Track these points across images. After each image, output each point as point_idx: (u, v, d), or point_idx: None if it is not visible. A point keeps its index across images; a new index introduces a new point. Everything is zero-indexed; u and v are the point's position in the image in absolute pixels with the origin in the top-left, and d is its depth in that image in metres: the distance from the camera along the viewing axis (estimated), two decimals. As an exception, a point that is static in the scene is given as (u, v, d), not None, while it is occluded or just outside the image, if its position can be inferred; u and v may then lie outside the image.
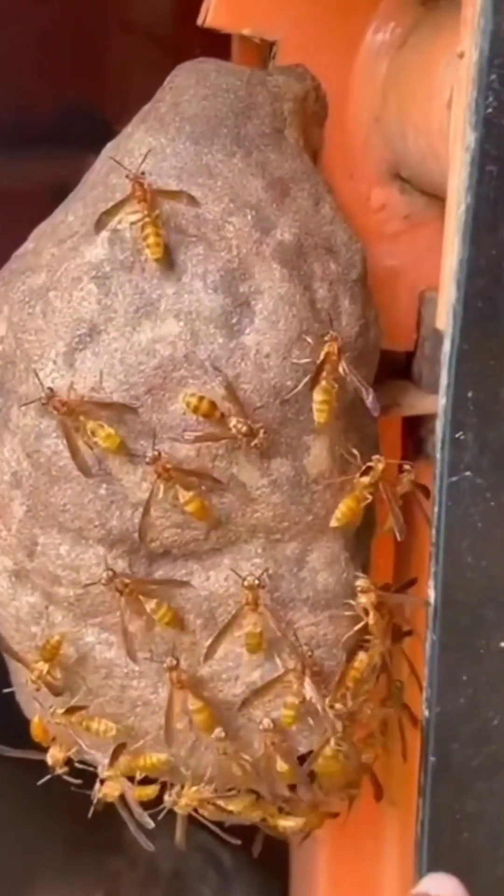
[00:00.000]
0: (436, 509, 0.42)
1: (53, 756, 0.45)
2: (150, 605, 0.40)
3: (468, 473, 0.41)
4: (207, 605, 0.41)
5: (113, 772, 0.44)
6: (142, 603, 0.40)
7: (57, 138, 0.59)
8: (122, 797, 0.45)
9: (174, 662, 0.41)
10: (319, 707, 0.40)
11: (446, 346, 0.40)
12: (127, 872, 0.74)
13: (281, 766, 0.42)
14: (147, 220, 0.38)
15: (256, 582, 0.40)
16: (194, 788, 0.43)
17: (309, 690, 0.40)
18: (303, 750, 0.43)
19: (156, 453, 0.38)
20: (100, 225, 0.39)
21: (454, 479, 0.41)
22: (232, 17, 0.43)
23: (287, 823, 0.45)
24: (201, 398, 0.38)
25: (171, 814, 0.46)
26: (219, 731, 0.41)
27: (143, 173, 0.38)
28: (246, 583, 0.40)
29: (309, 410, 0.39)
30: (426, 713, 0.44)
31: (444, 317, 0.40)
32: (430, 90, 0.41)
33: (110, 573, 0.40)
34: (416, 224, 0.48)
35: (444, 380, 0.41)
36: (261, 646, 0.40)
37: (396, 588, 0.46)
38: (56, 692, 0.42)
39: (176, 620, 0.41)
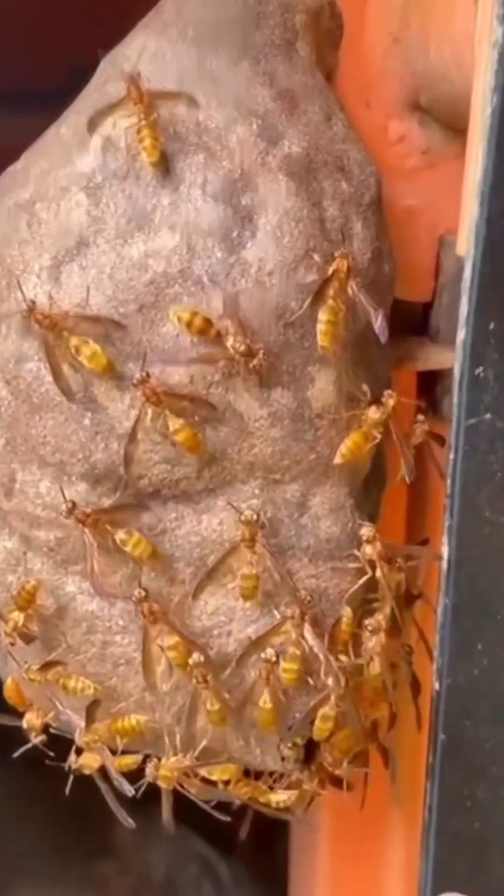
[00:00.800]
0: (451, 456, 0.38)
1: (29, 722, 0.42)
2: (118, 535, 0.36)
3: (488, 416, 0.38)
4: (199, 552, 0.38)
5: (90, 736, 0.40)
6: (111, 534, 0.36)
7: (66, 98, 0.56)
8: (103, 770, 0.42)
9: (143, 594, 0.37)
10: (321, 654, 0.36)
11: (467, 272, 0.36)
12: (117, 878, 0.70)
13: (264, 701, 0.37)
14: (143, 122, 0.35)
15: (255, 517, 0.36)
16: (176, 757, 0.39)
17: (309, 637, 0.36)
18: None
19: (144, 374, 0.35)
20: (92, 125, 0.36)
21: (472, 421, 0.38)
22: None
23: (279, 798, 0.41)
24: (195, 313, 0.35)
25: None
26: (196, 657, 0.37)
27: (139, 74, 0.35)
28: (243, 517, 0.36)
29: (314, 337, 0.36)
30: (437, 685, 0.40)
31: (465, 239, 0.36)
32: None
33: (70, 504, 0.36)
34: (436, 161, 0.44)
35: (463, 309, 0.37)
36: (256, 592, 0.37)
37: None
38: (28, 640, 0.38)
39: (154, 554, 0.37)
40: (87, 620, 0.39)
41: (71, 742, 0.41)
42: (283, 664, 0.37)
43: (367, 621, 0.38)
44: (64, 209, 0.36)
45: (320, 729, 0.38)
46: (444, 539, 0.39)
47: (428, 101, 0.44)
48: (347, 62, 0.43)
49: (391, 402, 0.37)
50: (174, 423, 0.35)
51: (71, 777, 0.41)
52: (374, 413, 0.37)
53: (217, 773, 0.40)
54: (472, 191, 0.35)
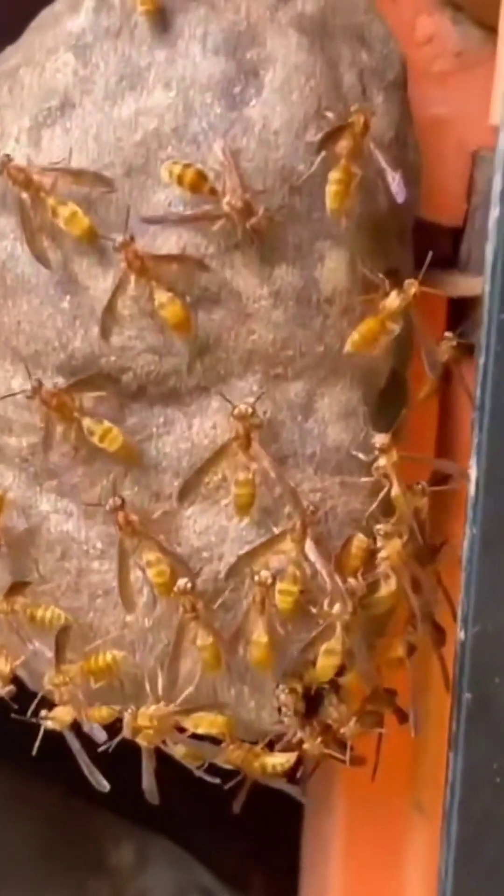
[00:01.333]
0: (481, 360, 0.34)
1: None
2: (85, 422, 0.32)
3: (524, 310, 0.33)
4: (188, 461, 0.33)
5: (60, 678, 0.35)
6: (77, 423, 0.32)
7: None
8: (76, 726, 0.37)
9: (118, 501, 0.32)
10: (325, 574, 0.31)
11: (500, 140, 0.32)
12: (111, 901, 0.64)
13: (259, 634, 0.32)
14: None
15: (250, 411, 0.31)
16: (155, 707, 0.34)
17: (311, 555, 0.31)
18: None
19: (127, 237, 0.31)
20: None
21: (505, 316, 0.33)
22: None
23: (274, 761, 0.35)
24: (187, 165, 0.31)
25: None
26: (183, 582, 0.32)
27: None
28: (236, 411, 0.31)
29: (324, 209, 0.32)
30: (461, 635, 0.35)
31: (499, 106, 0.32)
32: None
33: (35, 382, 0.32)
34: (470, 64, 0.40)
35: (496, 185, 0.33)
36: (252, 502, 0.32)
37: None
38: None
39: (126, 448, 0.32)
40: (61, 543, 0.35)
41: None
42: (279, 586, 0.32)
43: (378, 526, 0.32)
44: (49, 70, 0.33)
45: (324, 667, 0.32)
46: (472, 460, 0.34)
47: (461, -6, 0.40)
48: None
49: (413, 290, 0.33)
50: (160, 296, 0.31)
51: (41, 732, 0.36)
52: (392, 300, 0.33)
53: (204, 725, 0.34)
54: (506, 50, 0.31)
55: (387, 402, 0.36)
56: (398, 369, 0.36)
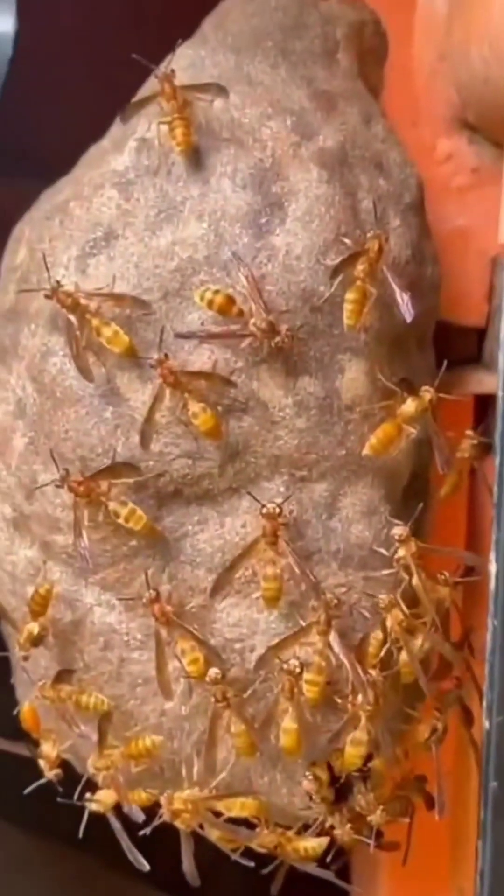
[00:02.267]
0: (497, 459, 0.36)
1: (45, 753, 0.39)
2: (111, 505, 0.34)
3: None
4: (221, 557, 0.35)
5: (103, 762, 0.37)
6: (104, 507, 0.34)
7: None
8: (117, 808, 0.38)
9: (154, 594, 0.34)
10: (348, 665, 0.33)
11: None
12: None
13: (288, 724, 0.34)
14: (176, 116, 0.35)
15: (277, 510, 0.34)
16: (189, 791, 0.36)
17: (336, 646, 0.33)
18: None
19: (162, 355, 0.34)
20: (125, 116, 0.36)
21: (519, 419, 0.35)
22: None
23: (307, 844, 0.36)
24: (216, 291, 0.34)
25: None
26: (214, 672, 0.34)
27: (172, 71, 0.36)
28: (264, 510, 0.34)
29: (343, 325, 0.34)
30: (486, 724, 0.36)
31: (507, 227, 0.35)
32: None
33: (63, 471, 0.34)
34: (486, 179, 0.43)
35: (505, 297, 0.35)
36: (280, 595, 0.34)
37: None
38: (36, 641, 0.36)
39: (148, 527, 0.35)
40: (104, 635, 0.37)
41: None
42: (306, 676, 0.34)
43: (381, 596, 0.34)
44: (95, 204, 0.36)
45: (350, 756, 0.34)
46: (492, 554, 0.36)
47: (476, 117, 0.43)
48: (393, 80, 0.43)
49: (428, 396, 0.35)
50: (193, 407, 0.33)
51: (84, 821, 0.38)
52: (408, 406, 0.35)
53: (237, 808, 0.36)
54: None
55: (410, 499, 0.38)
56: (420, 469, 0.38)
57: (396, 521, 0.35)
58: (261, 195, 0.35)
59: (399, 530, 0.34)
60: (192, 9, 0.40)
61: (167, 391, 0.34)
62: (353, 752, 0.34)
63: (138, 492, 0.36)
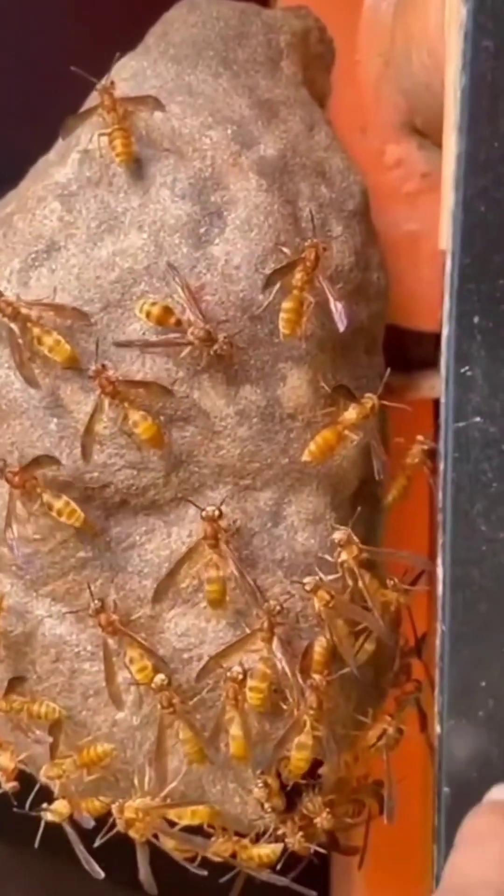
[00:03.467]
0: (441, 465, 0.36)
1: (2, 765, 0.39)
2: (44, 496, 0.35)
3: (477, 419, 0.35)
4: (168, 566, 0.35)
5: (56, 770, 0.37)
6: (39, 497, 0.34)
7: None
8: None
9: (99, 604, 0.35)
10: (287, 670, 0.33)
11: (447, 265, 0.35)
12: None
13: (235, 728, 0.34)
14: (116, 128, 0.35)
15: (217, 513, 0.34)
16: (140, 800, 0.36)
17: (278, 652, 0.33)
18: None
19: (100, 366, 0.34)
20: (66, 131, 0.36)
21: (461, 424, 0.35)
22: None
23: (261, 851, 0.36)
24: (153, 303, 0.34)
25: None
26: (160, 679, 0.34)
27: (112, 83, 0.36)
28: (204, 513, 0.34)
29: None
30: (438, 729, 0.36)
31: (445, 233, 0.35)
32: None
33: (1, 462, 0.35)
34: (436, 184, 0.43)
35: (446, 304, 0.35)
36: (223, 597, 0.34)
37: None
38: None
39: (85, 523, 0.35)
40: (55, 646, 0.37)
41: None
42: (250, 683, 0.34)
43: (305, 580, 0.34)
44: (38, 217, 0.36)
45: (297, 760, 0.34)
46: (439, 559, 0.36)
47: (422, 123, 0.43)
48: (341, 89, 0.43)
49: (369, 404, 0.35)
50: (134, 415, 0.33)
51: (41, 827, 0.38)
52: (350, 413, 0.35)
53: (188, 817, 0.36)
54: (449, 181, 0.34)
55: (358, 502, 0.38)
56: (370, 475, 0.38)
57: (338, 527, 0.35)
58: (200, 205, 0.35)
59: (339, 534, 0.34)
60: (137, 19, 0.41)
61: (106, 401, 0.34)
62: (298, 756, 0.34)
63: (84, 503, 0.36)
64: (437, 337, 0.44)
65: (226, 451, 0.35)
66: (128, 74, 0.38)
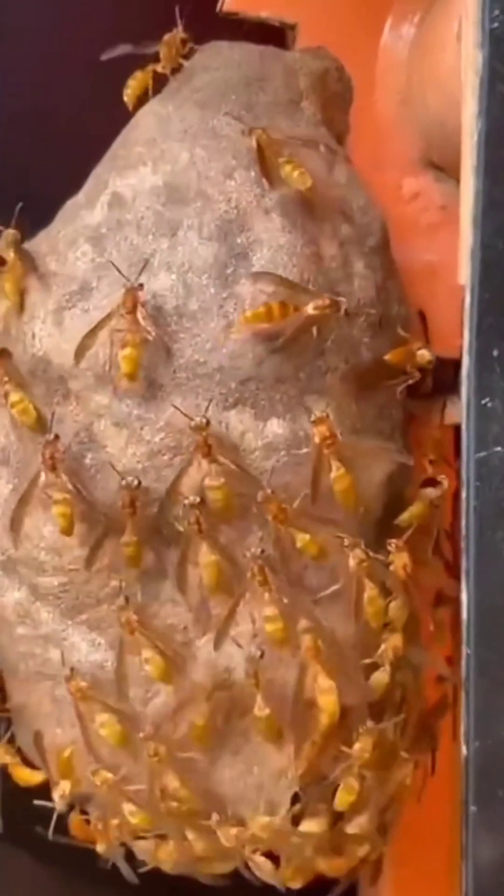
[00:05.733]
0: (464, 493, 0.37)
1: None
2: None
3: (498, 449, 0.36)
4: (201, 593, 0.37)
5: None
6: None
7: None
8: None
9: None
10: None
11: (466, 299, 0.36)
12: None
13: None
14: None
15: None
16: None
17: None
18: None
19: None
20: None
21: (482, 454, 0.36)
22: (249, 1, 0.43)
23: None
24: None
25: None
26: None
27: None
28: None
29: (308, 367, 0.36)
30: (464, 750, 0.37)
31: (464, 267, 0.36)
32: (442, 38, 0.38)
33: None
34: (454, 215, 0.44)
35: (466, 338, 0.36)
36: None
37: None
38: None
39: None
40: (90, 672, 0.38)
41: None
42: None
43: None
44: (70, 259, 0.38)
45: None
46: (463, 584, 0.37)
47: (439, 158, 0.44)
48: (358, 125, 0.44)
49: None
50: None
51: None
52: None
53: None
54: (468, 219, 0.35)
55: (386, 531, 0.39)
56: (393, 499, 0.39)
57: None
58: (226, 246, 0.36)
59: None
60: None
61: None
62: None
63: (118, 535, 0.37)
64: (456, 363, 0.46)
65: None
66: (154, 119, 0.39)
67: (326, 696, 0.35)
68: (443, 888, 0.46)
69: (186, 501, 0.35)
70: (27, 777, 0.40)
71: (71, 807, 0.40)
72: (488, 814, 0.37)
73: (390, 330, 0.39)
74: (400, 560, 0.36)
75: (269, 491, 0.35)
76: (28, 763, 0.41)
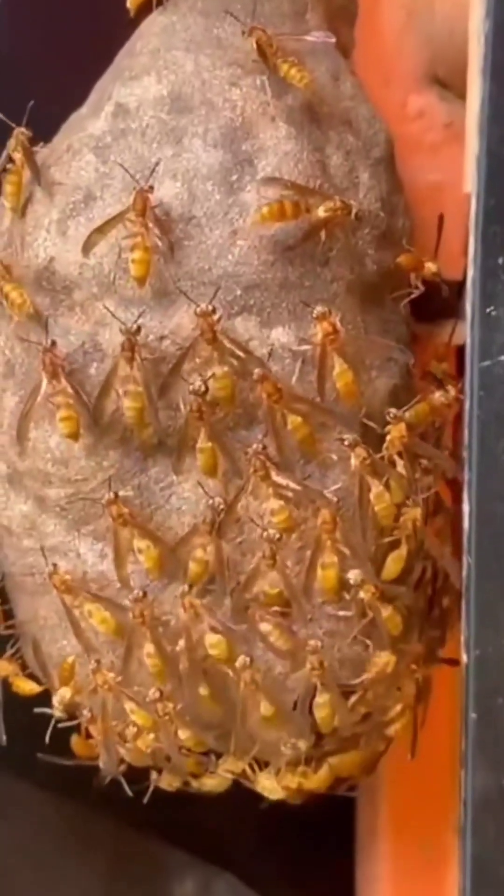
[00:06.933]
0: (467, 403, 0.37)
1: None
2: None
3: (502, 358, 0.36)
4: (205, 503, 0.37)
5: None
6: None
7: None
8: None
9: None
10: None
11: (472, 207, 0.36)
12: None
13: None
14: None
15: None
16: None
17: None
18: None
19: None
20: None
21: (486, 363, 0.36)
22: None
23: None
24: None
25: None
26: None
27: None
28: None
29: (314, 277, 0.36)
30: (465, 658, 0.38)
31: (470, 176, 0.36)
32: None
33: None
34: (458, 134, 0.44)
35: (471, 246, 0.36)
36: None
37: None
38: None
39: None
40: (97, 582, 0.39)
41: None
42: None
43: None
44: (74, 168, 0.38)
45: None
46: (465, 494, 0.37)
47: (445, 72, 0.44)
48: (364, 41, 0.44)
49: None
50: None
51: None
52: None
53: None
54: (473, 126, 0.35)
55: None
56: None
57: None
58: (231, 153, 0.36)
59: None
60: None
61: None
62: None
63: (123, 444, 0.37)
64: (460, 286, 0.46)
65: (258, 392, 0.36)
66: (158, 29, 0.39)
67: (328, 570, 0.35)
68: (442, 807, 0.47)
69: (190, 387, 0.35)
70: (28, 689, 0.41)
71: (70, 718, 0.40)
72: (488, 721, 0.37)
73: (395, 243, 0.39)
74: (397, 431, 0.36)
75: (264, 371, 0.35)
76: (34, 679, 0.42)
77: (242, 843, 0.53)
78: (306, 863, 0.52)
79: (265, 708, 0.36)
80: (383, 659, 0.37)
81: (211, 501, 0.36)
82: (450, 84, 0.44)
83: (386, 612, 0.36)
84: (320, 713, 0.36)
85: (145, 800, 0.42)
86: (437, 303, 0.46)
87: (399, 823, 0.51)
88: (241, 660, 0.36)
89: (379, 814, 0.52)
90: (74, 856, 0.56)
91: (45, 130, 0.41)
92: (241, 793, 0.41)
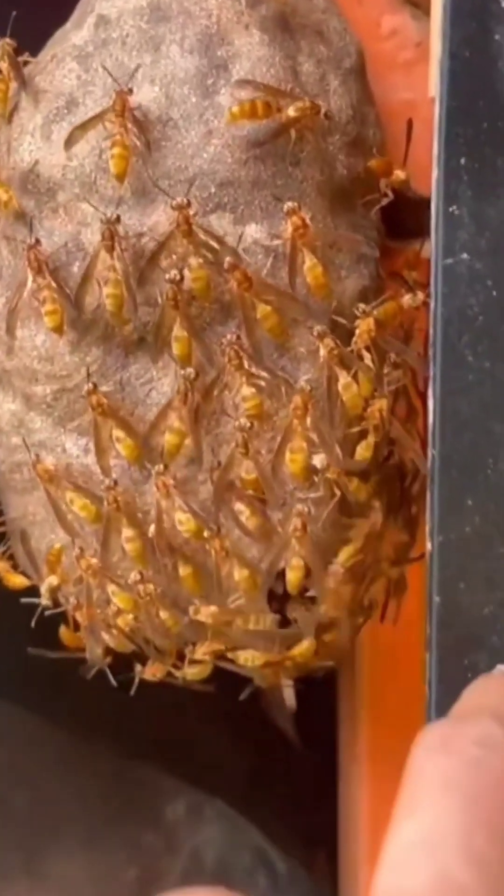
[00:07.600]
0: (432, 302, 0.39)
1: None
2: None
3: (465, 256, 0.38)
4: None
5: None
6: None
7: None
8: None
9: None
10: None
11: (435, 109, 0.37)
12: (165, 855, 0.68)
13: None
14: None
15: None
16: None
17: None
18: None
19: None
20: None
21: (449, 261, 0.38)
22: None
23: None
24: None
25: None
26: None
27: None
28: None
29: (285, 175, 0.38)
30: (429, 545, 0.40)
31: (434, 80, 0.37)
32: None
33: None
34: (429, 52, 0.46)
35: (434, 147, 0.38)
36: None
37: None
38: None
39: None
40: (82, 476, 0.41)
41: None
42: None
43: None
44: (58, 76, 0.39)
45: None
46: (430, 390, 0.39)
47: (417, -8, 0.45)
48: (338, -40, 0.45)
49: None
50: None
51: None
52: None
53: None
54: (437, 30, 0.37)
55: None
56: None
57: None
58: (207, 58, 0.38)
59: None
60: None
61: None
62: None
63: (106, 341, 0.39)
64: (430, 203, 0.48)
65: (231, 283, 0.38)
66: None
67: (296, 454, 0.37)
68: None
69: (166, 276, 0.37)
70: (18, 583, 0.43)
71: (56, 604, 0.42)
72: (450, 604, 0.39)
73: (366, 151, 0.41)
74: (366, 325, 0.38)
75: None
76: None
77: (233, 773, 0.55)
78: (294, 793, 0.54)
79: (238, 573, 0.37)
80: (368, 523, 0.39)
81: (182, 372, 0.38)
82: (420, 3, 0.46)
83: (352, 484, 0.38)
84: (293, 574, 0.38)
85: (132, 691, 0.44)
86: (410, 222, 0.48)
87: (381, 748, 0.53)
88: (208, 532, 0.38)
89: (358, 740, 0.54)
90: (68, 779, 0.59)
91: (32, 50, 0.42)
92: (232, 720, 0.43)
